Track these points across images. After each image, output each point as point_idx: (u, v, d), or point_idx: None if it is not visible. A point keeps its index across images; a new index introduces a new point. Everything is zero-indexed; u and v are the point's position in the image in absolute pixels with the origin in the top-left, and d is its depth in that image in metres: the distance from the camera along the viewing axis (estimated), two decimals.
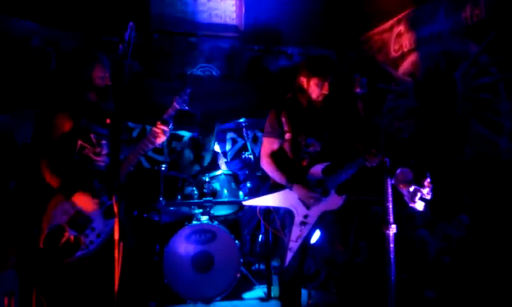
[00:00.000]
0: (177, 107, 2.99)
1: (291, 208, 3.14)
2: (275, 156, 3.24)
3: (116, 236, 2.24)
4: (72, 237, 2.78)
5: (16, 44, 4.42)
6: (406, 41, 4.48)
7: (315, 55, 5.49)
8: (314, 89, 3.25)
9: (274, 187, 3.25)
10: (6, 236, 3.30)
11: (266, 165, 3.26)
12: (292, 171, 3.18)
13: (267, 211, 3.43)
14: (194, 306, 4.06)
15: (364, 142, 3.18)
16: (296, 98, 3.33)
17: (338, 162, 3.18)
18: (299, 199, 3.13)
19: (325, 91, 3.25)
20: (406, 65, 4.49)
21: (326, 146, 3.29)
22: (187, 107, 3.02)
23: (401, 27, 4.58)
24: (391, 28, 4.75)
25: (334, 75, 3.30)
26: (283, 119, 3.25)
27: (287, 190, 3.16)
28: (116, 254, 2.22)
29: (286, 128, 3.24)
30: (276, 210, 3.29)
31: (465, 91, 3.78)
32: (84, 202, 2.80)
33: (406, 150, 2.63)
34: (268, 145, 3.28)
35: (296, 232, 3.11)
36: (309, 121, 3.28)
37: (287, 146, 3.26)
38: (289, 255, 3.09)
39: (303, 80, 3.29)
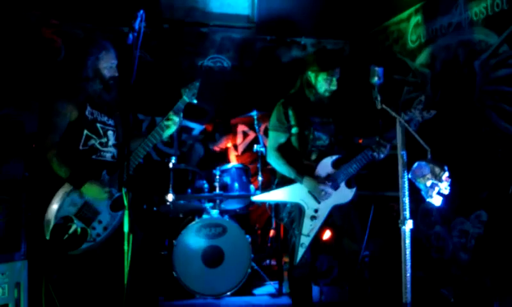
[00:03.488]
0: (186, 100, 2.97)
1: (301, 202, 3.09)
2: (282, 150, 3.21)
3: (126, 228, 2.20)
4: (79, 229, 2.74)
5: (25, 34, 4.40)
6: (424, 32, 4.39)
7: (323, 50, 5.44)
8: (322, 84, 3.20)
9: (282, 182, 3.20)
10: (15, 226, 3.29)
11: (274, 159, 3.23)
12: (301, 165, 3.12)
13: (278, 206, 3.38)
14: (203, 301, 4.02)
15: (378, 135, 3.10)
16: (303, 93, 3.28)
17: (348, 155, 3.13)
18: (309, 192, 3.07)
19: (333, 87, 3.20)
20: (423, 56, 4.40)
21: (334, 139, 3.24)
22: (195, 101, 3.00)
23: (419, 17, 4.48)
24: (408, 18, 4.65)
25: (343, 70, 3.24)
26: (290, 113, 3.21)
27: (296, 185, 3.11)
28: (126, 247, 2.17)
29: (293, 123, 3.20)
30: (283, 204, 3.24)
31: (484, 83, 3.69)
32: (93, 192, 2.77)
33: (424, 143, 2.54)
34: (275, 139, 3.25)
35: (307, 227, 3.06)
36: (316, 115, 3.23)
37: (294, 140, 3.22)
38: (301, 251, 3.03)
39: (311, 75, 3.23)
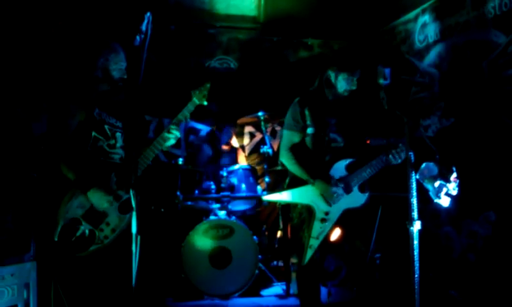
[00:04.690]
0: (196, 102, 2.96)
1: (312, 204, 3.07)
2: (296, 150, 3.17)
3: (134, 230, 2.20)
4: (87, 231, 2.75)
5: (34, 35, 4.43)
6: (432, 32, 4.37)
7: (345, 49, 5.42)
8: (342, 84, 3.16)
9: (294, 182, 3.17)
10: (24, 228, 3.31)
11: (286, 158, 3.19)
12: (314, 166, 3.10)
13: (287, 207, 3.36)
14: (211, 302, 4.02)
15: (387, 136, 3.09)
16: (322, 92, 3.24)
17: (362, 159, 3.09)
18: (321, 194, 3.05)
19: (353, 87, 3.17)
20: (431, 56, 4.38)
21: (349, 141, 3.20)
22: (205, 103, 2.98)
23: (426, 17, 4.46)
24: (416, 18, 4.63)
25: (362, 70, 3.21)
26: (307, 113, 3.17)
27: (307, 186, 3.09)
28: (134, 248, 2.17)
29: (309, 122, 3.16)
30: (293, 205, 3.22)
31: (493, 83, 3.66)
32: (97, 198, 2.77)
33: (431, 144, 2.54)
34: (289, 138, 3.21)
35: (317, 229, 3.03)
36: (333, 116, 3.20)
37: (308, 141, 3.18)
38: (309, 253, 3.01)
39: (331, 74, 3.20)
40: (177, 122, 2.93)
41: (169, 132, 2.90)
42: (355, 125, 3.23)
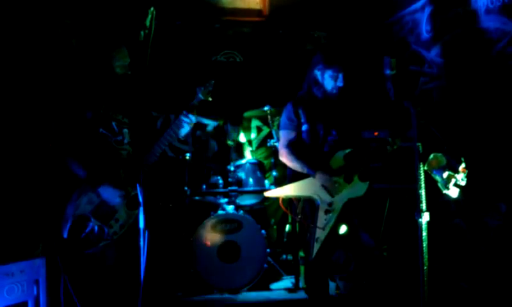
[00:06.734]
0: (201, 98, 2.97)
1: (314, 196, 3.09)
2: (294, 146, 3.22)
3: (141, 224, 2.21)
4: (96, 228, 2.77)
5: (38, 34, 4.44)
6: (439, 21, 4.32)
7: (327, 47, 5.41)
8: (329, 81, 3.21)
9: (294, 177, 3.19)
10: (34, 224, 3.33)
11: (286, 155, 3.24)
12: (313, 159, 3.12)
13: (292, 203, 3.37)
14: (221, 296, 4.02)
15: (391, 126, 3.09)
16: (311, 92, 3.30)
17: (359, 148, 3.11)
18: (323, 185, 3.06)
19: (340, 84, 3.19)
20: (438, 46, 4.33)
21: (345, 133, 3.23)
22: (210, 99, 3.00)
23: (434, 7, 4.41)
24: (423, 8, 4.58)
25: (350, 65, 3.24)
26: (300, 111, 3.24)
27: (308, 179, 3.11)
28: (142, 243, 2.19)
29: (303, 120, 3.23)
30: (296, 201, 3.25)
31: (502, 72, 3.61)
32: (109, 193, 2.79)
33: (440, 135, 2.51)
34: (285, 137, 3.28)
35: (321, 221, 3.04)
36: (326, 111, 3.25)
37: (305, 137, 3.24)
38: (316, 246, 3.02)
39: (317, 73, 3.25)
40: (182, 118, 2.94)
41: (175, 127, 2.90)
42: (349, 119, 3.27)
